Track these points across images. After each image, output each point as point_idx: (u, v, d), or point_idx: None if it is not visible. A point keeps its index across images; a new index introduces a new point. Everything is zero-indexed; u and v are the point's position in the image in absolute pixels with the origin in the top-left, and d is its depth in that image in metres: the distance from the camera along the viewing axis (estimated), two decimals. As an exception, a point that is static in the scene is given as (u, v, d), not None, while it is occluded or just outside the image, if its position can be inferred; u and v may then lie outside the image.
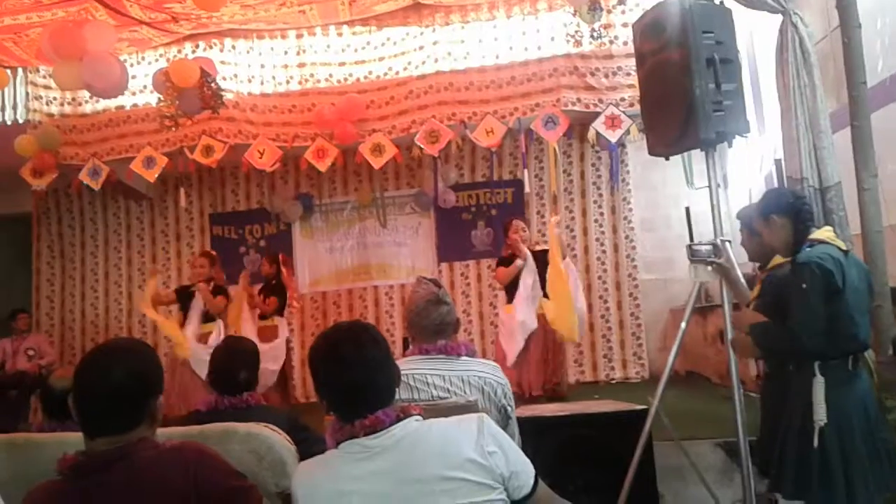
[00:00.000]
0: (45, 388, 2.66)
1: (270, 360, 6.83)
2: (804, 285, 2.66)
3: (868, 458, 2.68)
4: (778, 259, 3.07)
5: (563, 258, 6.36)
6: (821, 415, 2.64)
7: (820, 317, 2.64)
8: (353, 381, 1.73)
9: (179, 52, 7.51)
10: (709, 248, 3.29)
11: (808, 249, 2.77)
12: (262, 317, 7.36)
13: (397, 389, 1.85)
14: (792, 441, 2.76)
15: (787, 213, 2.90)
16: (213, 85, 6.79)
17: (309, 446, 2.35)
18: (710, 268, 3.32)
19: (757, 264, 3.43)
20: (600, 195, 8.66)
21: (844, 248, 2.81)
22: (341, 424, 1.75)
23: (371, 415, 1.71)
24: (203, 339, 6.63)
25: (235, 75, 7.58)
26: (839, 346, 2.68)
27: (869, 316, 2.86)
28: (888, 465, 2.71)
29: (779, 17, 4.18)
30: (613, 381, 8.30)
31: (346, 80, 7.53)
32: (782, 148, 4.26)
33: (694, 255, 3.24)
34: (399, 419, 1.73)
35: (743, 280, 3.30)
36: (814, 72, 4.07)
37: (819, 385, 2.67)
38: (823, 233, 2.85)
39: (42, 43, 5.79)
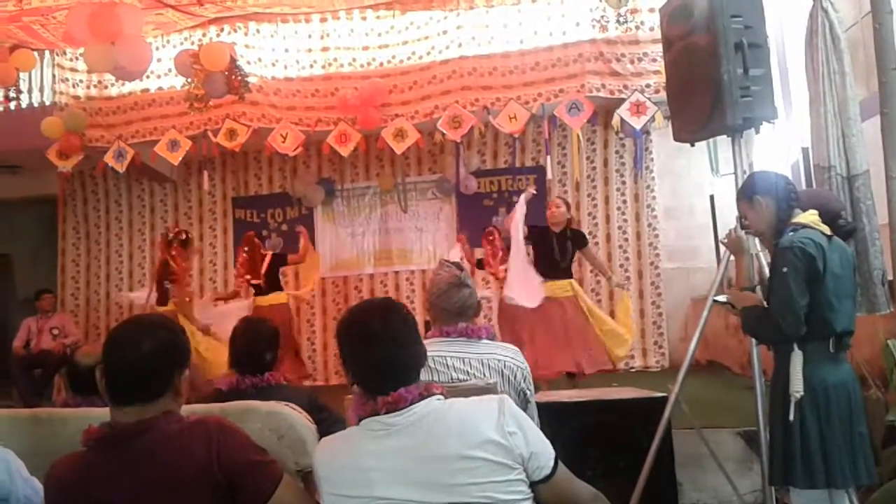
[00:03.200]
0: (71, 364, 2.69)
1: None
2: (785, 269, 2.65)
3: (844, 443, 2.65)
4: None
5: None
6: (797, 386, 2.62)
7: (800, 301, 2.62)
8: (380, 357, 1.73)
9: (204, 35, 7.54)
10: None
11: (791, 234, 2.75)
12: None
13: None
14: (777, 426, 2.74)
15: (771, 194, 2.87)
16: (241, 72, 6.86)
17: (328, 426, 2.36)
18: (756, 240, 3.30)
19: None
20: (623, 183, 8.61)
21: (828, 232, 2.77)
22: (364, 400, 1.76)
23: (394, 392, 1.71)
24: None
25: (259, 59, 7.61)
26: (817, 331, 2.66)
27: (852, 301, 2.82)
28: (862, 459, 2.68)
29: (809, 2, 4.11)
30: (633, 370, 8.25)
31: (369, 64, 7.54)
32: (810, 135, 4.20)
33: (743, 227, 3.21)
34: (421, 397, 1.73)
35: None
36: (844, 58, 4.00)
37: (797, 357, 2.66)
38: (807, 217, 2.80)
39: (76, 24, 5.81)
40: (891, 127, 3.67)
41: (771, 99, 3.44)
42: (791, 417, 2.63)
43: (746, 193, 2.97)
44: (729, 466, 3.94)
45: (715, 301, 3.33)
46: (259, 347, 2.95)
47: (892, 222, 3.65)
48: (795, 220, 2.81)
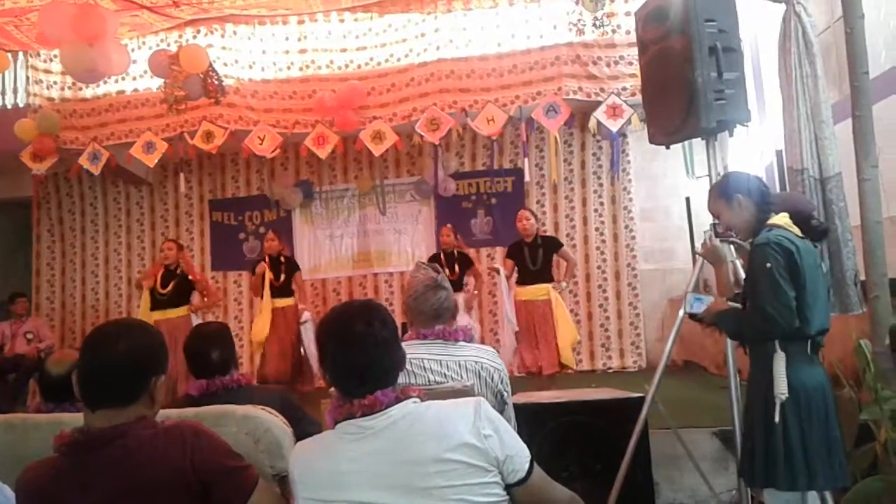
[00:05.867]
0: (41, 372, 2.65)
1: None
2: (768, 265, 2.65)
3: (823, 445, 2.66)
4: None
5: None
6: (782, 388, 2.62)
7: (790, 294, 2.63)
8: (359, 359, 1.73)
9: (180, 37, 7.52)
10: None
11: (767, 233, 2.77)
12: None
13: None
14: (758, 427, 2.75)
15: (752, 195, 2.87)
16: (217, 76, 6.84)
17: (303, 427, 2.35)
18: (731, 247, 3.29)
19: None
20: (600, 185, 8.66)
21: (799, 234, 2.79)
22: (341, 403, 1.75)
23: (370, 395, 1.71)
24: None
25: (236, 61, 7.59)
26: (797, 331, 2.67)
27: (826, 301, 2.83)
28: (838, 461, 2.70)
29: (782, 7, 4.16)
30: (610, 371, 8.32)
31: (346, 66, 7.55)
32: (783, 138, 4.25)
33: (718, 235, 3.20)
34: (398, 400, 1.73)
35: None
36: (816, 62, 4.05)
37: (780, 359, 2.66)
38: (781, 219, 2.81)
39: (57, 22, 5.73)
40: (862, 130, 3.73)
41: (744, 102, 3.48)
42: (777, 420, 2.63)
43: (726, 193, 2.94)
44: (705, 466, 3.97)
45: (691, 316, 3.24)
46: (203, 348, 2.86)
47: (864, 223, 3.70)
48: (770, 221, 2.83)
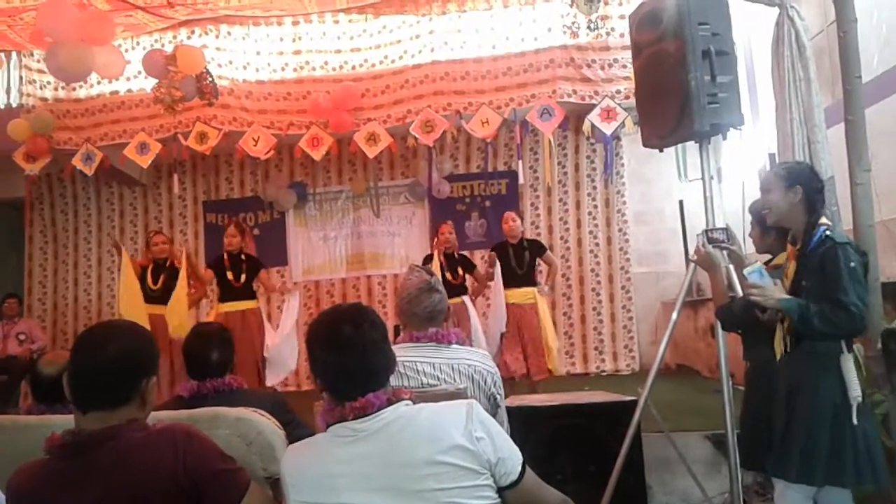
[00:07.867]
0: (33, 373, 2.64)
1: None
2: (852, 264, 2.64)
3: (877, 440, 2.70)
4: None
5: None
6: (857, 390, 2.61)
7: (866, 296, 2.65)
8: (349, 363, 1.72)
9: (174, 37, 7.49)
10: (722, 233, 3.23)
11: (834, 233, 2.74)
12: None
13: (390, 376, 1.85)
14: (821, 429, 2.71)
15: (807, 190, 2.83)
16: (211, 78, 6.82)
17: (293, 429, 2.35)
18: (724, 253, 3.26)
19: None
20: (594, 188, 8.68)
21: None
22: (332, 406, 1.75)
23: (362, 397, 1.70)
24: None
25: (231, 62, 7.58)
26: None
27: None
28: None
29: (775, 11, 4.17)
30: (604, 374, 8.33)
31: (341, 67, 7.55)
32: (776, 141, 4.26)
33: (710, 241, 3.17)
34: (390, 403, 1.72)
35: None
36: (809, 66, 4.06)
37: (848, 360, 2.65)
38: (825, 220, 2.83)
39: (63, 23, 5.69)
40: (855, 133, 3.74)
41: (738, 105, 3.49)
42: (856, 421, 2.62)
43: (791, 179, 2.85)
44: (697, 469, 3.97)
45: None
46: (203, 349, 2.84)
47: (857, 227, 3.71)
48: (822, 221, 2.80)
